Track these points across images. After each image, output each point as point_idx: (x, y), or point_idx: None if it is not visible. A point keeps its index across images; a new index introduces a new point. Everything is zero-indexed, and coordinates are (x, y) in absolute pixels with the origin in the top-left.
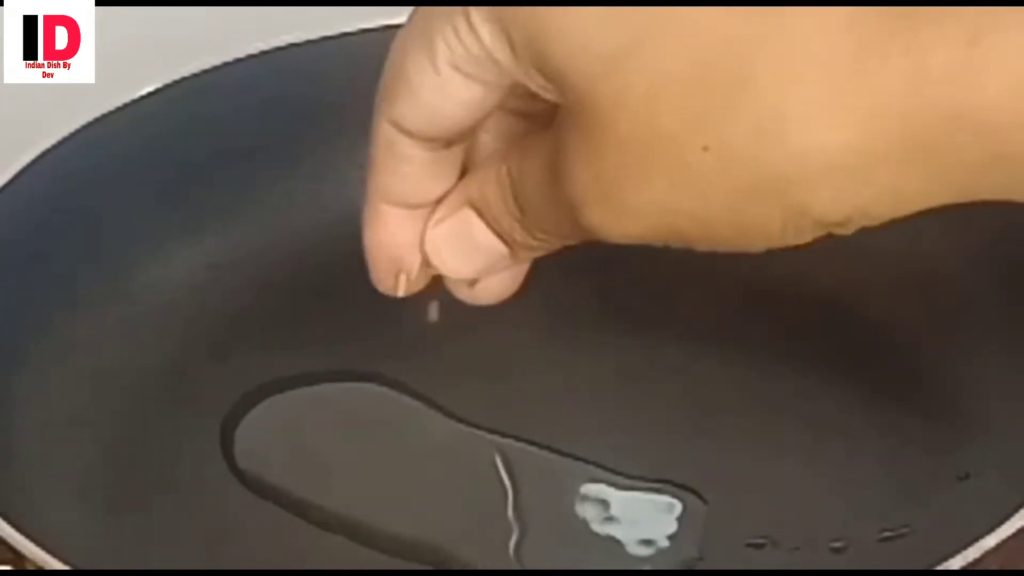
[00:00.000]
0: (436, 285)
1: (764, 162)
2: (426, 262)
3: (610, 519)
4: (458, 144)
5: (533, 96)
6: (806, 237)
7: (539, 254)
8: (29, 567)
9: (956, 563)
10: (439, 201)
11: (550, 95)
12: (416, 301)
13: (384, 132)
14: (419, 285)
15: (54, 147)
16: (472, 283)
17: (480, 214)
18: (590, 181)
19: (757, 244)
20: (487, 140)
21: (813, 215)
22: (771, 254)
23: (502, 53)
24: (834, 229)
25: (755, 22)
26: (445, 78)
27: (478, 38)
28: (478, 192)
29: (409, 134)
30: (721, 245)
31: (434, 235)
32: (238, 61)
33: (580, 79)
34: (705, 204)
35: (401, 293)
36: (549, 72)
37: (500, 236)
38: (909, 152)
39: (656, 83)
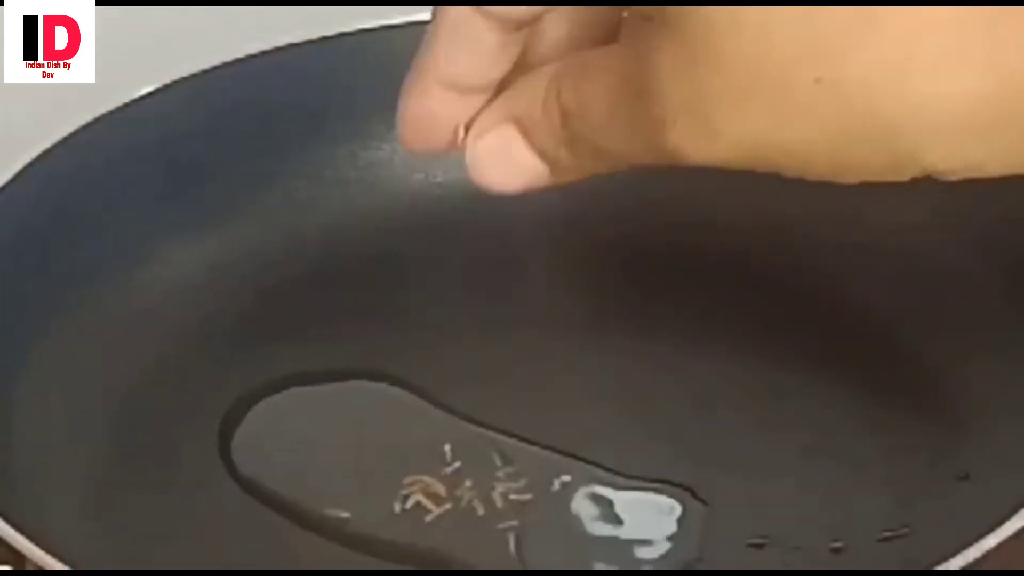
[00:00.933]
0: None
1: (881, 104)
2: (455, 139)
3: (610, 519)
4: (529, 27)
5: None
6: (905, 178)
7: (583, 176)
8: (29, 567)
9: (956, 563)
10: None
11: None
12: (417, 300)
13: (455, 11)
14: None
15: (54, 147)
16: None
17: (524, 134)
18: (683, 100)
19: (852, 179)
20: (544, 48)
21: (922, 163)
22: (772, 255)
23: None
24: (939, 176)
25: None
26: None
27: None
28: (524, 111)
29: (487, 14)
30: (812, 176)
31: (475, 149)
32: (238, 61)
33: None
34: (806, 137)
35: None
36: None
37: (543, 157)
38: None
39: (775, 10)
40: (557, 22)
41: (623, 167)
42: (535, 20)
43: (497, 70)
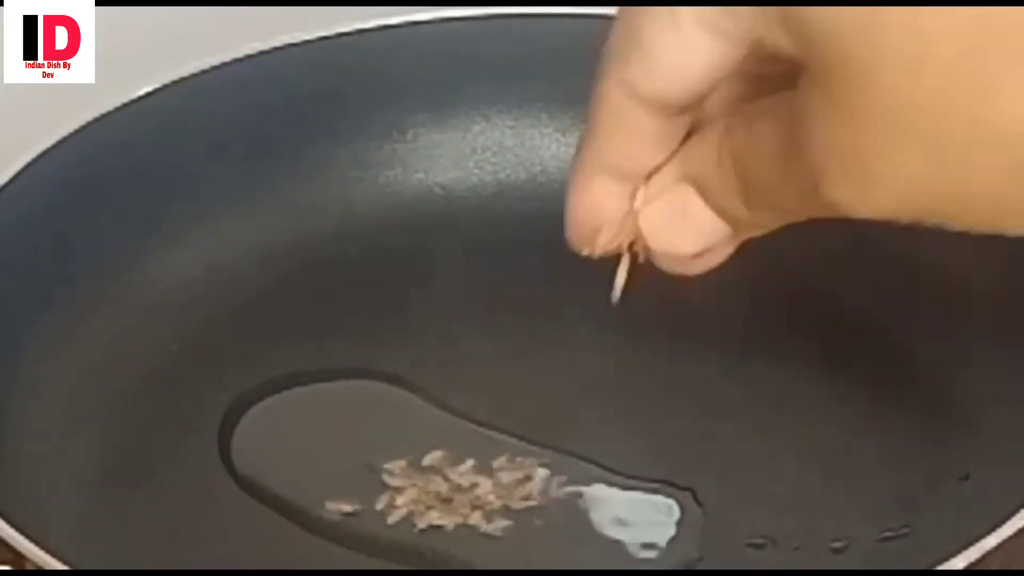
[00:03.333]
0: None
1: None
2: (624, 230)
3: (610, 519)
4: (688, 112)
5: (772, 58)
6: None
7: (763, 232)
8: (29, 567)
9: (957, 563)
10: (652, 174)
11: (793, 52)
12: (417, 299)
13: (613, 97)
14: (613, 247)
15: (54, 147)
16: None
17: (700, 191)
18: (837, 152)
19: (1019, 226)
20: (711, 106)
21: None
22: (771, 257)
23: (746, 10)
24: None
25: None
26: (686, 33)
27: None
28: (697, 169)
29: (643, 99)
30: (980, 225)
31: (650, 213)
32: (238, 61)
33: (833, 35)
34: (968, 181)
35: (597, 255)
36: (796, 26)
37: (721, 214)
38: None
39: (923, 45)
40: (720, 99)
41: (802, 219)
42: (697, 103)
43: (658, 155)
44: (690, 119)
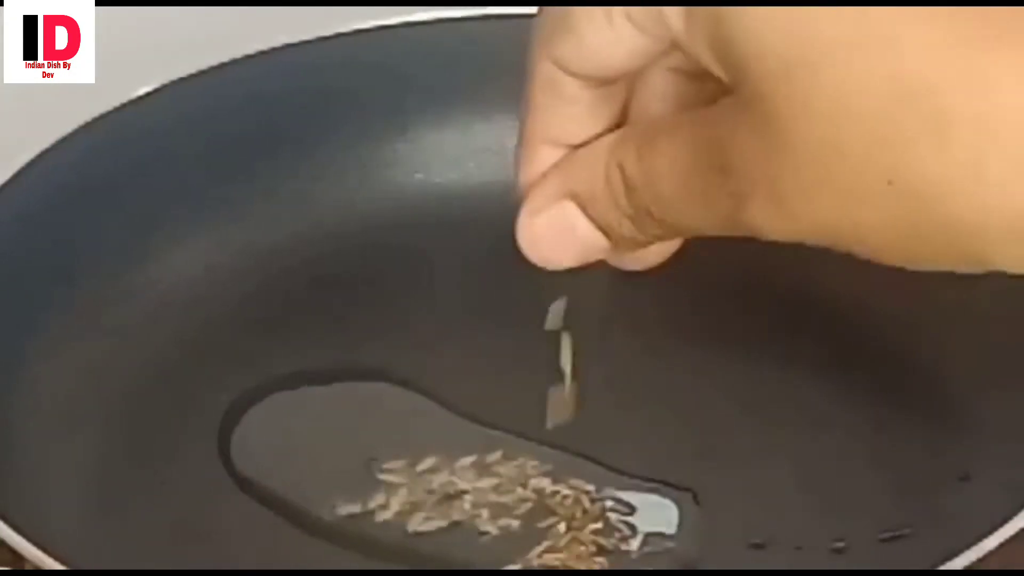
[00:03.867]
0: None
1: (950, 209)
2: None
3: (610, 519)
4: (622, 81)
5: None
6: (977, 272)
7: (642, 247)
8: (28, 568)
9: (957, 563)
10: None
11: (716, 73)
12: (418, 299)
13: (544, 71)
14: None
15: (54, 147)
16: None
17: (584, 209)
18: (761, 182)
19: (922, 268)
20: (648, 97)
21: (992, 264)
22: (771, 257)
23: (676, 20)
24: (1009, 271)
25: (958, 63)
26: (615, 26)
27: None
28: (581, 186)
29: (572, 74)
30: (883, 261)
31: (532, 227)
32: (238, 61)
33: (761, 76)
34: (877, 230)
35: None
36: (726, 59)
37: (604, 230)
38: None
39: (844, 101)
40: (658, 92)
41: (688, 237)
42: (626, 77)
43: (597, 124)
44: (625, 87)
